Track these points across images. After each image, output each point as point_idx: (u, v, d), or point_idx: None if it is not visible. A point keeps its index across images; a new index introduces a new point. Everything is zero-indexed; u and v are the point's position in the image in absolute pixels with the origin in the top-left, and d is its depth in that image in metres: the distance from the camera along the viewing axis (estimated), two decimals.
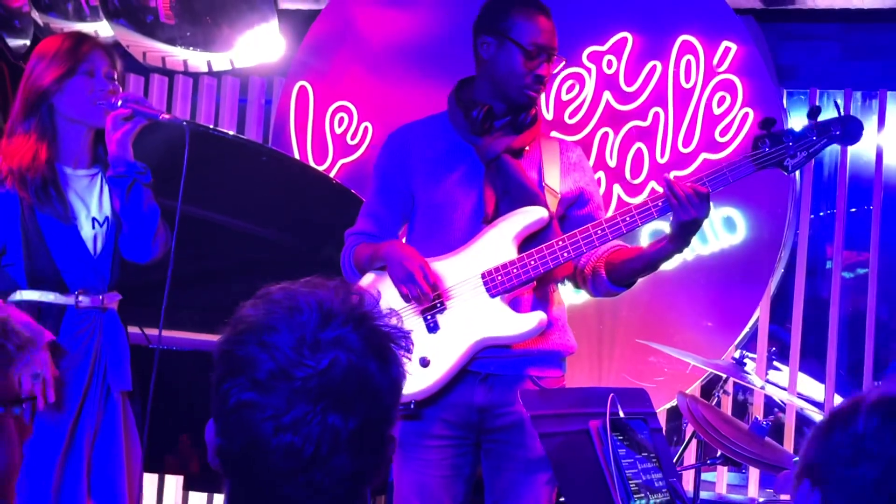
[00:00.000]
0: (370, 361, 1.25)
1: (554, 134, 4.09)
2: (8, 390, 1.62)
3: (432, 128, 2.98)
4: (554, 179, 2.91)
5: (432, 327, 2.84)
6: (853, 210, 5.10)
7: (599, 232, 2.79)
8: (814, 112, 2.76)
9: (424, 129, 2.99)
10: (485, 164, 2.88)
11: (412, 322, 2.84)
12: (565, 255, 2.80)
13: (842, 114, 2.75)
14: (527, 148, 2.92)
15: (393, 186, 2.97)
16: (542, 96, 2.96)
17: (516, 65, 2.85)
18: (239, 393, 1.24)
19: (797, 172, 4.62)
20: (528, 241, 2.85)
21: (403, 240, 3.04)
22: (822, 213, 5.24)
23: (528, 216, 2.84)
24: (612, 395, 2.42)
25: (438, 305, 2.84)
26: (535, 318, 2.82)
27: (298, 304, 1.26)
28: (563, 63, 2.94)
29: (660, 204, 2.74)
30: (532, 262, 2.80)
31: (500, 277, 2.81)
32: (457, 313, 2.83)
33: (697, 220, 2.70)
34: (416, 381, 2.80)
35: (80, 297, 2.88)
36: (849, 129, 2.75)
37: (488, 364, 2.84)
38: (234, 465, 1.27)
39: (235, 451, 1.26)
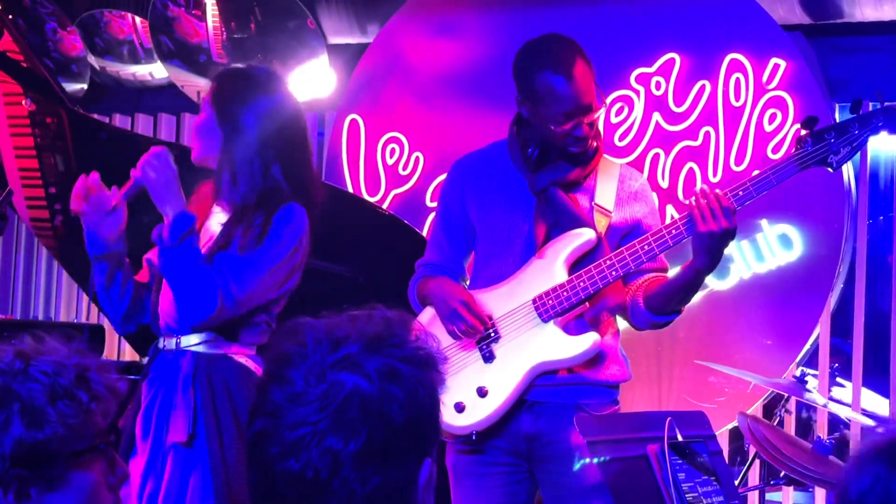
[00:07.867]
0: (376, 383, 1.25)
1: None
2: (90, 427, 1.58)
3: (491, 157, 2.97)
4: (607, 199, 2.87)
5: (488, 357, 2.83)
6: None
7: (646, 247, 2.76)
8: (856, 105, 2.72)
9: (484, 158, 2.99)
10: (534, 195, 2.87)
11: (469, 355, 2.84)
12: (613, 273, 2.76)
13: (884, 104, 2.72)
14: (582, 181, 2.87)
15: (452, 216, 2.99)
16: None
17: (552, 129, 2.79)
18: (254, 426, 1.28)
19: (852, 184, 4.64)
20: (579, 264, 2.82)
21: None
22: (881, 218, 5.17)
23: (576, 239, 2.82)
24: (669, 418, 2.42)
25: (493, 335, 2.84)
26: (588, 339, 2.79)
27: (315, 338, 1.28)
28: (606, 105, 2.83)
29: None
30: (581, 284, 2.77)
31: (550, 301, 2.80)
32: (511, 341, 2.82)
33: (714, 234, 2.63)
34: (476, 412, 2.79)
35: (165, 341, 2.78)
36: (892, 119, 2.71)
37: (536, 391, 2.82)
38: (258, 498, 1.29)
39: (255, 483, 1.28)
